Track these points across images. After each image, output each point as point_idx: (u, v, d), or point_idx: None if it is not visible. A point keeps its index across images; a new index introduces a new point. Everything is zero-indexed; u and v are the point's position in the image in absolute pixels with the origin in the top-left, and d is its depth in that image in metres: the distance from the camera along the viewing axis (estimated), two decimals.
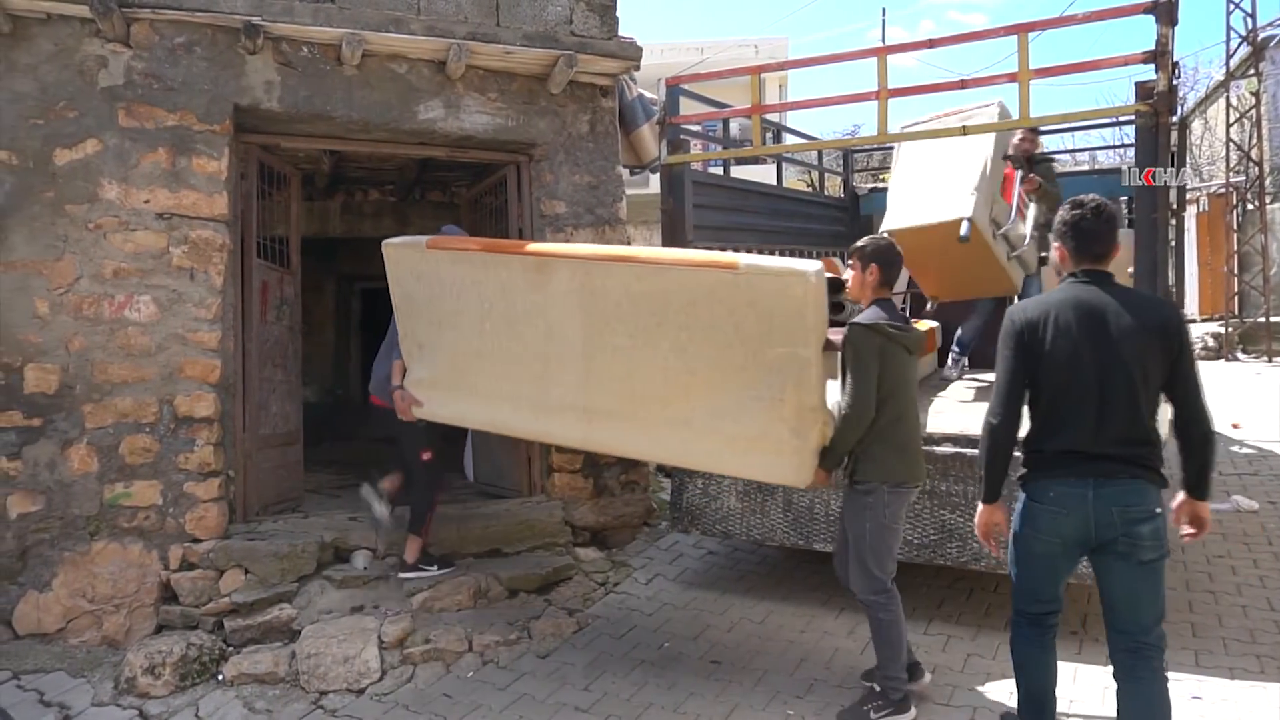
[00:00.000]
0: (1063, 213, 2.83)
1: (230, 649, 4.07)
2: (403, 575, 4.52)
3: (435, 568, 4.57)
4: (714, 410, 3.56)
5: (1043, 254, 5.57)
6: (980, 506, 2.89)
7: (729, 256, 3.63)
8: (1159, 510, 2.62)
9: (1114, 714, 2.72)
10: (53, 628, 4.16)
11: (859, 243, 3.57)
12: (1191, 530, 2.72)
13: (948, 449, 4.12)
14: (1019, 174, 5.35)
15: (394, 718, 3.65)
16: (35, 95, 4.26)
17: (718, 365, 3.55)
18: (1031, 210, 5.42)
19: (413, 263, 4.26)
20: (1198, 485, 2.69)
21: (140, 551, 4.29)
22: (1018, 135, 5.49)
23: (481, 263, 4.09)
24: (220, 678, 3.91)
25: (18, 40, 4.24)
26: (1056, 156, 6.57)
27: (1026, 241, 5.30)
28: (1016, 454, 2.85)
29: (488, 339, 4.10)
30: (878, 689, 3.39)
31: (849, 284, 3.61)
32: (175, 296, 4.42)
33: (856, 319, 3.45)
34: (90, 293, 4.30)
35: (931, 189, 5.21)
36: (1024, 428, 2.82)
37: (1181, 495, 2.72)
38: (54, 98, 4.28)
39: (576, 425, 3.93)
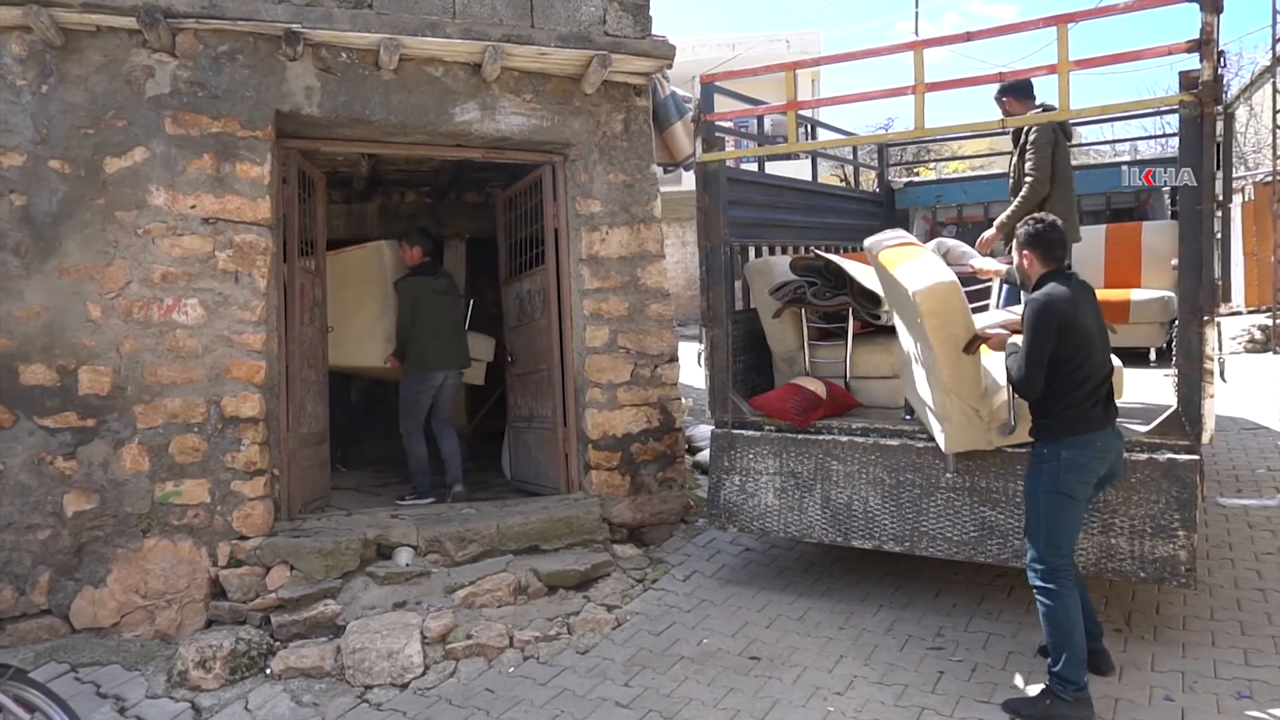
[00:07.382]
0: (1027, 227, 3.45)
1: (277, 644, 4.16)
2: None
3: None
4: (368, 325, 6.57)
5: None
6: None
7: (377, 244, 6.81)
8: None
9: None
10: (108, 622, 4.28)
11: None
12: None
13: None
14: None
15: (437, 712, 3.71)
16: (86, 105, 4.38)
17: (369, 301, 6.57)
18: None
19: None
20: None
21: (190, 548, 4.40)
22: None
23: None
24: (268, 671, 4.01)
25: (69, 52, 4.36)
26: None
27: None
28: None
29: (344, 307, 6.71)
30: (413, 486, 5.98)
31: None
32: (221, 299, 4.52)
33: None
34: (140, 296, 4.42)
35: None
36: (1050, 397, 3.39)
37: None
38: (104, 107, 4.40)
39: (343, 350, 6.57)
